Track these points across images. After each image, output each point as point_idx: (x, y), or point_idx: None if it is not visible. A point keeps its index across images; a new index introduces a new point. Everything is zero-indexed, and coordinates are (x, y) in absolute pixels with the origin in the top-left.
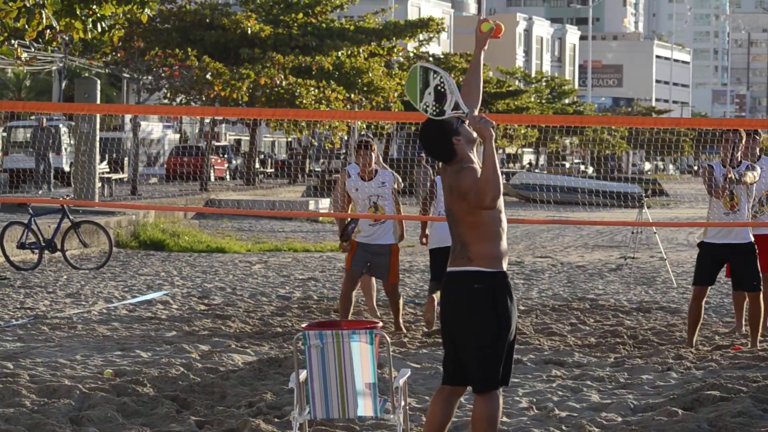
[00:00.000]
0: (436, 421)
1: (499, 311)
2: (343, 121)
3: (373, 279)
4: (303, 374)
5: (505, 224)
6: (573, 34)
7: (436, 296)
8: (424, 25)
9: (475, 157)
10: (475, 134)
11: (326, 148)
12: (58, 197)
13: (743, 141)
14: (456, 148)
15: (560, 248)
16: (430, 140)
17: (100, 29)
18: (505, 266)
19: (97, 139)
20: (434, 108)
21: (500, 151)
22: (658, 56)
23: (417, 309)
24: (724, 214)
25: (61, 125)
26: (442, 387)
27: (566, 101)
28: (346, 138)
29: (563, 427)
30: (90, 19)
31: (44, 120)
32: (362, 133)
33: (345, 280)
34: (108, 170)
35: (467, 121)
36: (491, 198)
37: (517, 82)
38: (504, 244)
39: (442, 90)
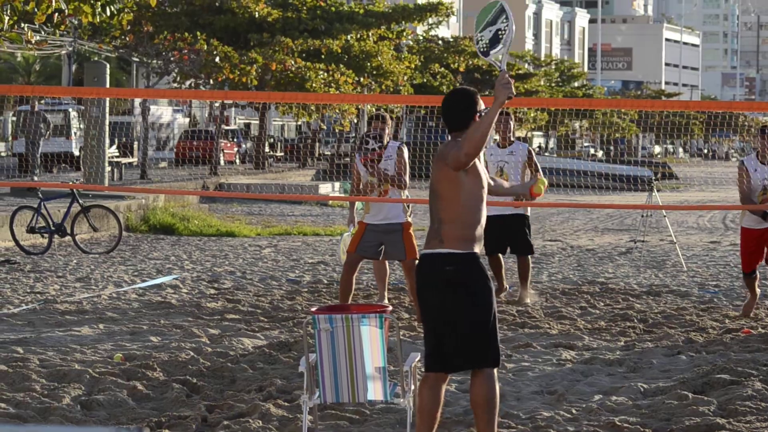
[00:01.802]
0: (426, 409)
1: (474, 291)
2: (352, 104)
3: (387, 264)
4: (313, 358)
5: (484, 213)
6: (582, 18)
7: None
8: (434, 8)
9: None
10: None
11: (336, 131)
12: (68, 182)
13: None
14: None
15: (570, 232)
16: (459, 107)
17: (109, 13)
18: (477, 249)
19: (107, 123)
20: (484, 45)
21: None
22: (667, 39)
23: None
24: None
25: (70, 109)
26: (425, 376)
27: (576, 84)
28: (355, 121)
29: (573, 411)
30: (99, 3)
31: (36, 104)
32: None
33: (345, 264)
34: (117, 154)
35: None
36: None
37: (526, 66)
38: (480, 230)
39: (501, 36)
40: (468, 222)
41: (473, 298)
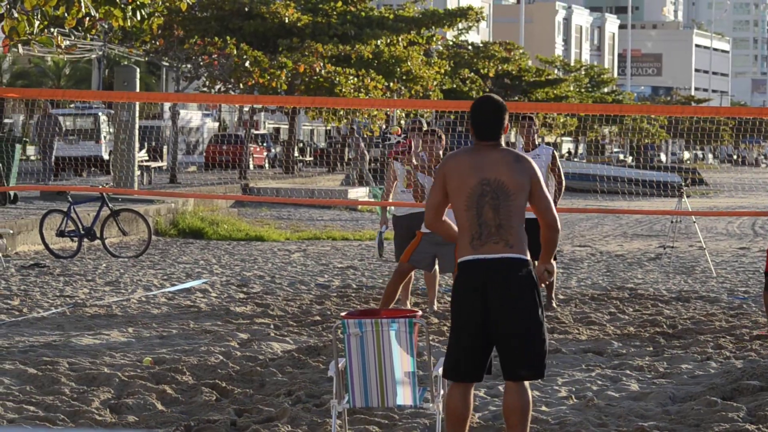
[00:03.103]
0: (457, 414)
1: (539, 299)
2: (381, 109)
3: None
4: (342, 363)
5: None
6: (612, 23)
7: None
8: (463, 13)
9: None
10: None
11: (365, 136)
12: (98, 185)
13: None
14: (505, 130)
15: (599, 237)
16: (496, 113)
17: (139, 17)
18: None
19: (137, 127)
20: None
21: (540, 140)
22: (697, 45)
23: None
24: None
25: (100, 113)
26: (455, 383)
27: (605, 90)
28: (384, 126)
29: (602, 417)
30: (129, 7)
31: (48, 107)
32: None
33: (395, 273)
34: (147, 158)
35: None
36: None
37: (556, 71)
38: None
39: None
40: (523, 225)
41: (535, 305)
